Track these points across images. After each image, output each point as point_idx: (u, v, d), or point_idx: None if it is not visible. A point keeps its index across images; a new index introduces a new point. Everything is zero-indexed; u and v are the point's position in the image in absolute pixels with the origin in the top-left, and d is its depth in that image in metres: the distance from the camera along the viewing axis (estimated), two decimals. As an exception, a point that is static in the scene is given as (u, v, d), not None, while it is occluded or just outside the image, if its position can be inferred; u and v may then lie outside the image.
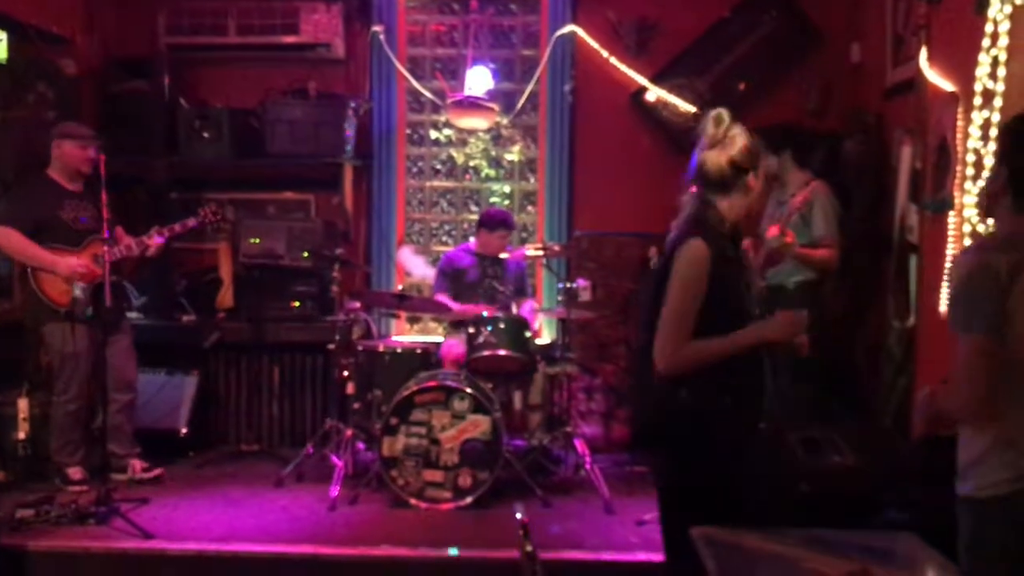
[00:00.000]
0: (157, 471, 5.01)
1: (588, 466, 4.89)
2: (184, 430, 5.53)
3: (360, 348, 5.16)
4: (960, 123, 3.93)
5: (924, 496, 3.05)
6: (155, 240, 4.83)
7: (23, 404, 5.06)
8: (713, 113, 2.84)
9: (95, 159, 4.66)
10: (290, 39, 5.89)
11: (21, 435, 5.04)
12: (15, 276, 5.44)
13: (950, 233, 3.99)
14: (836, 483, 3.50)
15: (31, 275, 4.78)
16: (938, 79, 4.24)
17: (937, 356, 4.15)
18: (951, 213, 3.98)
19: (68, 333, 4.74)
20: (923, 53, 4.37)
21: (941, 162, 4.15)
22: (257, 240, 5.78)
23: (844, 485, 3.47)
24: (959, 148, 3.93)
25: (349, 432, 4.98)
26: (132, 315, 5.43)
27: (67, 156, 4.81)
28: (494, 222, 5.47)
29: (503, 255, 5.50)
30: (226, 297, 5.91)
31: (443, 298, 5.40)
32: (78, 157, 4.77)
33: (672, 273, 2.74)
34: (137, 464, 5.00)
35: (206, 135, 5.83)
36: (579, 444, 5.00)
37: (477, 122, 6.06)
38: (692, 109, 5.83)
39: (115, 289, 4.67)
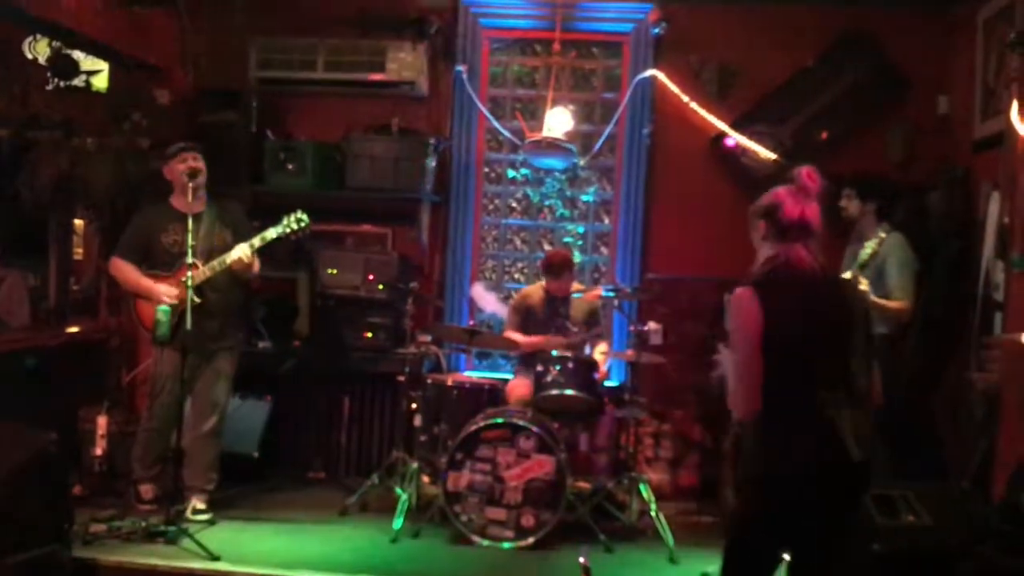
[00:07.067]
0: (208, 516, 4.78)
1: (653, 513, 4.83)
2: (256, 454, 5.62)
3: (429, 381, 5.20)
4: (1052, 179, 3.84)
5: (1003, 560, 2.95)
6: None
7: (102, 421, 5.22)
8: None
9: (195, 166, 4.77)
10: (376, 76, 6.02)
11: (98, 451, 5.20)
12: (102, 298, 5.64)
13: (1038, 291, 3.88)
14: (910, 543, 3.40)
15: (132, 299, 4.92)
16: (1029, 133, 4.15)
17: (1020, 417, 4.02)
18: (1040, 271, 3.87)
19: (159, 354, 4.88)
20: (1014, 106, 4.27)
21: (1031, 218, 4.04)
22: (335, 271, 5.89)
23: (918, 546, 3.37)
24: (1050, 204, 3.83)
25: (415, 465, 5.00)
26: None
27: (173, 175, 4.86)
28: (555, 268, 5.41)
29: (575, 294, 5.49)
30: (302, 326, 6.02)
31: (512, 334, 5.41)
32: (179, 171, 4.80)
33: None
34: (197, 502, 4.82)
35: (290, 167, 5.97)
36: (645, 490, 4.94)
37: (554, 162, 6.11)
38: (772, 156, 5.78)
39: (210, 318, 4.75)
